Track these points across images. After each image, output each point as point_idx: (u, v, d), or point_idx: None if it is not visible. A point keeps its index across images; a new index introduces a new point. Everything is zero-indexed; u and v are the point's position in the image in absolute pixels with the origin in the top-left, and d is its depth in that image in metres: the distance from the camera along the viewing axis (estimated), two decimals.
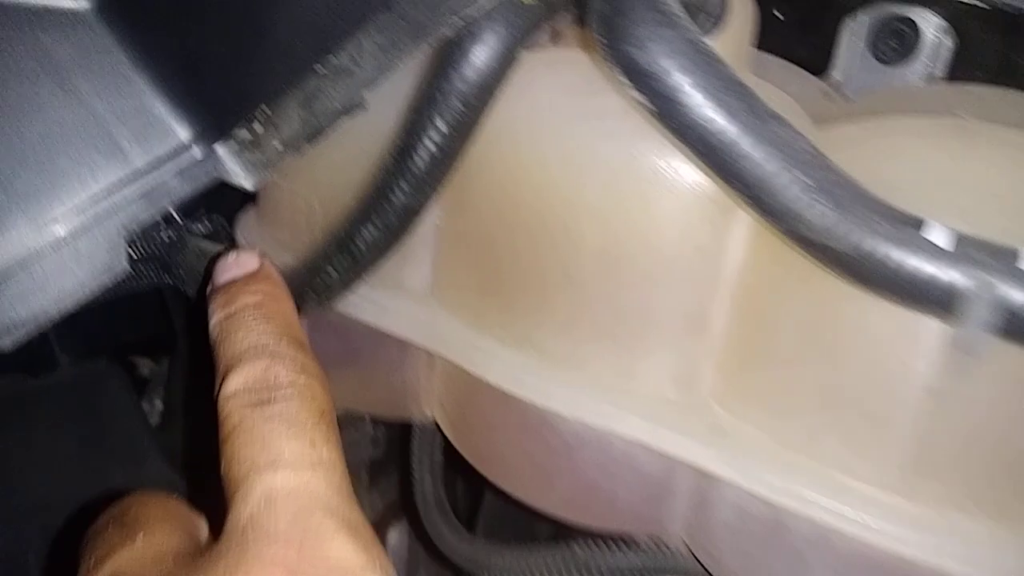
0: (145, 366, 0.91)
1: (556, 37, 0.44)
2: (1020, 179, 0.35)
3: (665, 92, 0.29)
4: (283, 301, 0.38)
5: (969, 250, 0.29)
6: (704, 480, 0.41)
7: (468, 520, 0.73)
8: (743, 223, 0.37)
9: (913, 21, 0.53)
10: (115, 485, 0.80)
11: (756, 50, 0.52)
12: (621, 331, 0.41)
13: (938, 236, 0.29)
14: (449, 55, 0.36)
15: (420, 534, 0.66)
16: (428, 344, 0.48)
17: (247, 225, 0.55)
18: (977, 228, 0.31)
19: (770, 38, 0.49)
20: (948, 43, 0.53)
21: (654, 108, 0.30)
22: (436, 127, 0.37)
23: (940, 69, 0.54)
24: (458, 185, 0.42)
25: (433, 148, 0.38)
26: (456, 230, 0.46)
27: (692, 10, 0.37)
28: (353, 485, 0.63)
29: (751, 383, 0.40)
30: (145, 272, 0.51)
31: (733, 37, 0.40)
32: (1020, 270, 0.28)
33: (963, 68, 0.54)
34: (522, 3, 0.35)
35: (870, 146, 0.38)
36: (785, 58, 0.54)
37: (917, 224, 0.30)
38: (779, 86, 0.48)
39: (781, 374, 0.38)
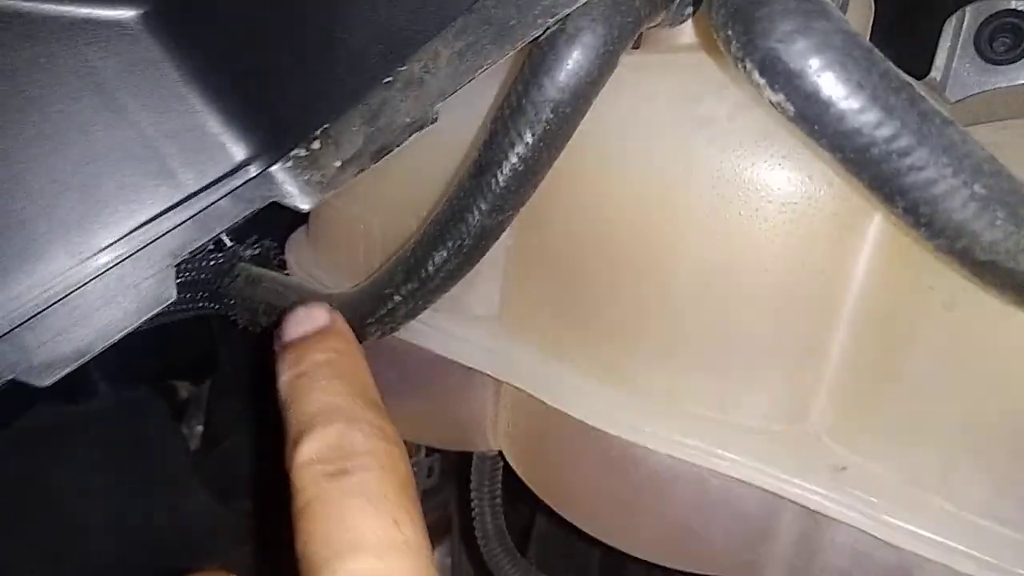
0: (184, 389, 0.86)
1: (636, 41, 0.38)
2: None
3: (818, 94, 0.24)
4: (356, 359, 0.34)
5: None
6: (813, 521, 0.36)
7: (519, 544, 0.68)
8: (869, 242, 0.32)
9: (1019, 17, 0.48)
10: (154, 512, 0.75)
11: None
12: (724, 360, 0.36)
13: None
14: (541, 59, 0.31)
15: (471, 556, 0.60)
16: (498, 373, 0.42)
17: (298, 248, 0.49)
18: None
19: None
20: None
21: (800, 112, 0.25)
22: (523, 140, 0.32)
23: None
24: (535, 200, 0.37)
25: (518, 163, 0.32)
26: (531, 249, 0.41)
27: None
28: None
29: (874, 415, 0.34)
30: (192, 300, 0.45)
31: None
32: None
33: None
34: None
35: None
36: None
37: None
38: None
39: (912, 405, 0.33)
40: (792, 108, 0.25)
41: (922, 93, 0.25)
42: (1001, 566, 0.31)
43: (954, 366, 0.31)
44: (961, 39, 0.50)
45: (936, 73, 0.51)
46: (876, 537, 0.33)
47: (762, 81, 0.25)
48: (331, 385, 0.31)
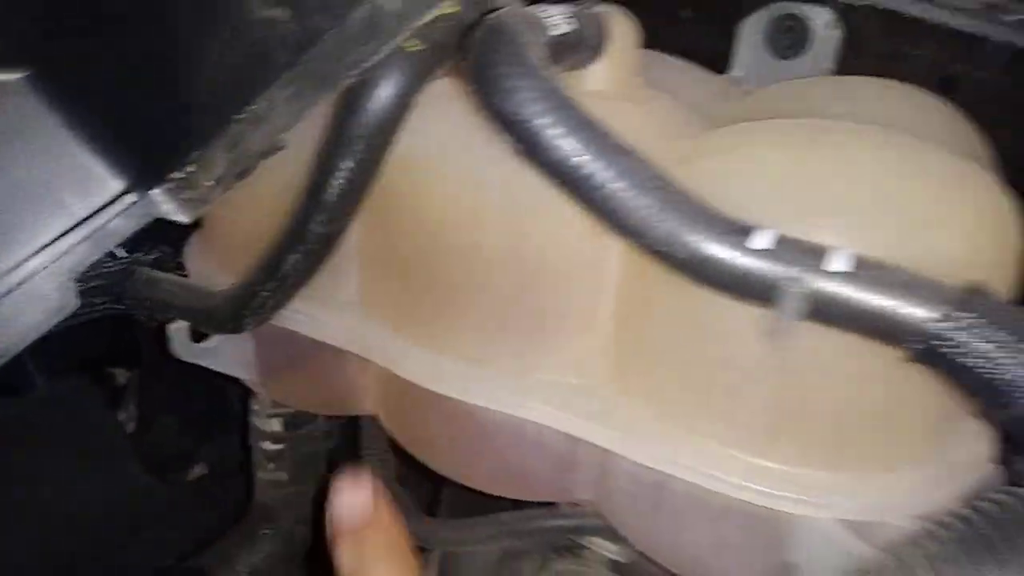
0: (122, 375, 0.93)
1: None
2: (852, 176, 0.38)
3: (529, 137, 0.32)
4: (404, 550, 0.40)
5: (782, 251, 0.32)
6: (602, 454, 0.45)
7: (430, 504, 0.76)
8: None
9: (803, 17, 0.57)
10: (98, 491, 0.83)
11: (660, 53, 0.55)
12: (523, 330, 0.44)
13: (760, 240, 0.33)
14: (350, 102, 0.39)
15: None
16: (359, 350, 0.50)
17: (193, 252, 0.57)
18: (814, 226, 0.34)
19: (678, 38, 0.52)
20: (836, 36, 0.57)
21: (522, 150, 0.33)
22: (343, 166, 0.40)
23: (830, 61, 0.58)
24: (375, 208, 0.45)
25: (343, 183, 0.40)
26: (376, 248, 0.49)
27: (573, 44, 0.40)
28: (313, 475, 0.65)
29: (637, 370, 0.43)
30: (99, 303, 0.53)
31: (615, 59, 0.43)
32: (824, 266, 0.32)
33: (851, 59, 0.58)
34: (408, 50, 0.38)
35: (735, 154, 0.41)
36: (693, 57, 0.57)
37: (744, 231, 0.33)
38: (678, 87, 0.51)
39: (659, 362, 0.42)
40: (519, 147, 0.34)
41: (607, 130, 0.33)
42: (727, 478, 0.40)
43: (677, 331, 0.40)
44: (755, 39, 0.59)
45: (738, 70, 0.60)
46: (641, 464, 0.43)
47: (496, 127, 0.34)
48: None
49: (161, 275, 0.53)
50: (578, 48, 0.40)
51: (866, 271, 0.32)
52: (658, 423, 0.42)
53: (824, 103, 0.50)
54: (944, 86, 0.55)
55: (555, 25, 0.37)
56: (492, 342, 0.46)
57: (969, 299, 0.30)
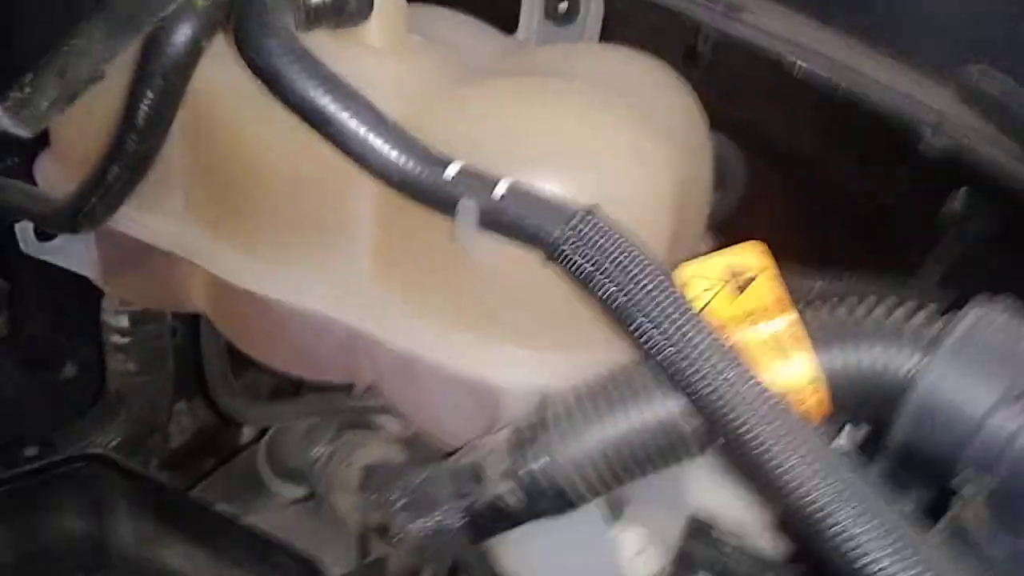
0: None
1: None
2: (544, 127, 0.50)
3: (272, 83, 0.42)
4: None
5: (463, 179, 0.43)
6: (372, 341, 0.56)
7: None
8: None
9: None
10: None
11: (462, 15, 0.65)
12: (306, 237, 0.55)
13: (450, 171, 0.44)
14: (149, 45, 0.48)
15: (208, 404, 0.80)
16: (183, 253, 0.60)
17: (42, 166, 0.65)
18: (515, 161, 0.46)
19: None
20: (600, 9, 0.68)
21: (269, 93, 0.43)
22: (147, 96, 0.49)
23: (595, 31, 0.69)
24: (193, 132, 0.55)
25: (147, 110, 0.50)
26: (195, 166, 0.59)
27: (335, 8, 0.50)
28: (161, 366, 0.75)
29: (393, 270, 0.54)
30: None
31: (381, 20, 0.53)
32: (491, 192, 0.43)
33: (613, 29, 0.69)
34: (196, 6, 0.47)
35: (472, 103, 0.52)
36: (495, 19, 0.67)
37: (441, 163, 0.44)
38: (463, 44, 0.62)
39: (406, 262, 0.53)
40: (270, 92, 0.44)
41: (339, 78, 0.43)
42: (456, 358, 0.52)
43: (420, 234, 0.51)
44: (536, 5, 0.69)
45: (522, 33, 0.70)
46: (395, 346, 0.54)
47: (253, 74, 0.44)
48: None
49: (10, 181, 0.61)
50: (342, 11, 0.49)
51: (516, 197, 0.43)
52: (409, 312, 0.54)
53: (573, 64, 0.61)
54: (687, 59, 0.67)
55: None
56: (284, 246, 0.56)
57: (584, 218, 0.42)
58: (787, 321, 0.41)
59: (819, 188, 0.72)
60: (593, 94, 0.54)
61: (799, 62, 0.59)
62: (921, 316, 0.41)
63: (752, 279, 0.41)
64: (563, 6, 0.67)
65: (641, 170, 0.51)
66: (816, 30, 0.63)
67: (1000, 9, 0.62)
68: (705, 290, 0.42)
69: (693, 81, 0.63)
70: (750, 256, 0.42)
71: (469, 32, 0.67)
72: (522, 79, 0.56)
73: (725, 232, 0.75)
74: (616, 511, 0.59)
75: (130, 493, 0.69)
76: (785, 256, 0.45)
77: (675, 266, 0.45)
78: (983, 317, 0.40)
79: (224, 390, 0.73)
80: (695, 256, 0.45)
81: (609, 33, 0.68)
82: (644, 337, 0.39)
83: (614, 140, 0.51)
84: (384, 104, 0.47)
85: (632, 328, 0.40)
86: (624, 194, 0.49)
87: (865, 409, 0.42)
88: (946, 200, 0.68)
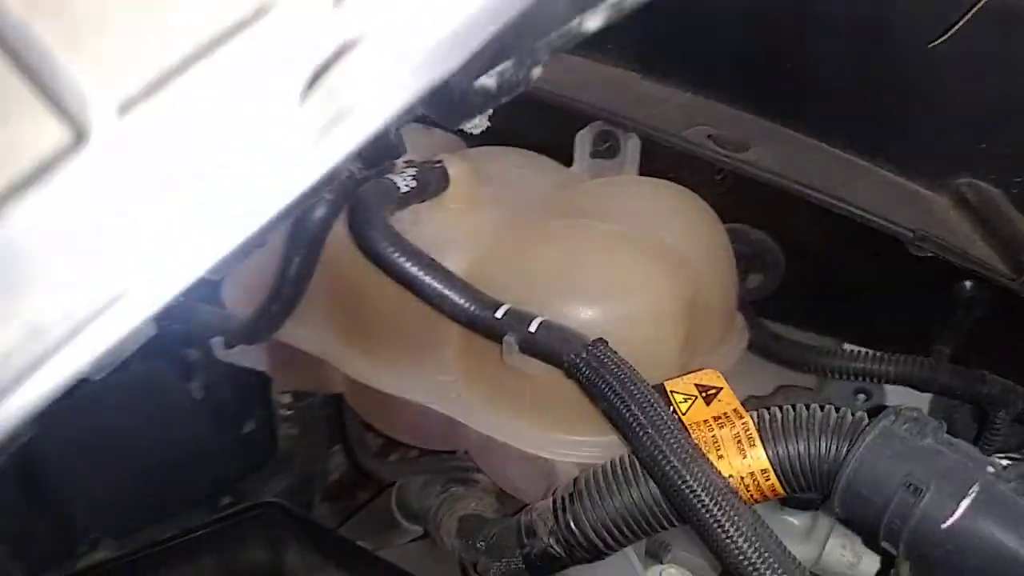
0: (193, 354, 1.26)
1: None
2: (581, 272, 0.66)
3: (377, 261, 0.62)
4: None
5: (508, 316, 0.61)
6: (464, 424, 0.74)
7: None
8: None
9: (615, 133, 0.83)
10: (171, 440, 1.16)
11: (530, 152, 0.83)
12: (411, 348, 0.74)
13: (500, 312, 0.61)
14: (297, 223, 0.69)
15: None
16: (324, 357, 0.81)
17: (228, 290, 0.88)
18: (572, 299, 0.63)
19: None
20: (637, 145, 0.83)
21: (376, 265, 0.63)
22: (296, 258, 0.70)
23: (634, 161, 0.84)
24: (329, 270, 0.75)
25: (297, 266, 0.70)
26: (332, 293, 0.79)
27: (420, 189, 0.69)
28: (317, 432, 0.97)
29: (477, 374, 0.72)
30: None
31: (457, 188, 0.72)
32: (527, 327, 0.60)
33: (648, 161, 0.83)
34: (325, 199, 0.67)
35: (540, 249, 0.70)
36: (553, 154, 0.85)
37: (494, 305, 0.62)
38: (527, 180, 0.79)
39: (486, 372, 0.71)
40: (372, 262, 0.63)
41: (428, 258, 0.62)
42: (525, 443, 0.69)
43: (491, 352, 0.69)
44: (586, 144, 0.85)
45: (576, 165, 0.87)
46: (478, 430, 0.72)
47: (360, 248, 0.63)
48: None
49: (204, 306, 0.85)
50: (425, 191, 0.68)
51: (545, 331, 0.60)
52: (485, 405, 0.71)
53: (612, 197, 0.77)
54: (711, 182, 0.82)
55: (403, 185, 0.66)
56: (395, 355, 0.76)
57: (589, 348, 0.58)
58: (743, 424, 0.55)
59: (837, 277, 0.84)
60: (618, 234, 0.70)
61: (797, 186, 0.72)
62: (848, 417, 0.54)
63: (716, 393, 0.55)
64: (606, 145, 0.83)
65: (654, 295, 0.66)
66: (816, 151, 0.76)
67: (986, 127, 0.72)
68: (684, 400, 0.56)
69: (720, 195, 0.77)
70: (713, 378, 0.56)
71: (535, 167, 0.85)
72: (564, 225, 0.73)
73: (765, 306, 0.89)
74: (657, 554, 0.74)
75: (298, 532, 0.90)
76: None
77: (683, 369, 0.60)
78: (896, 420, 0.52)
79: (362, 452, 0.94)
80: (720, 344, 0.59)
81: (647, 158, 0.83)
82: (632, 439, 0.54)
83: (632, 274, 0.67)
84: (460, 251, 0.65)
85: (624, 431, 0.55)
86: (639, 314, 0.65)
87: (810, 489, 0.55)
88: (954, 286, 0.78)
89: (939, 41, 0.63)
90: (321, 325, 0.81)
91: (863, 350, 0.80)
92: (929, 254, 0.70)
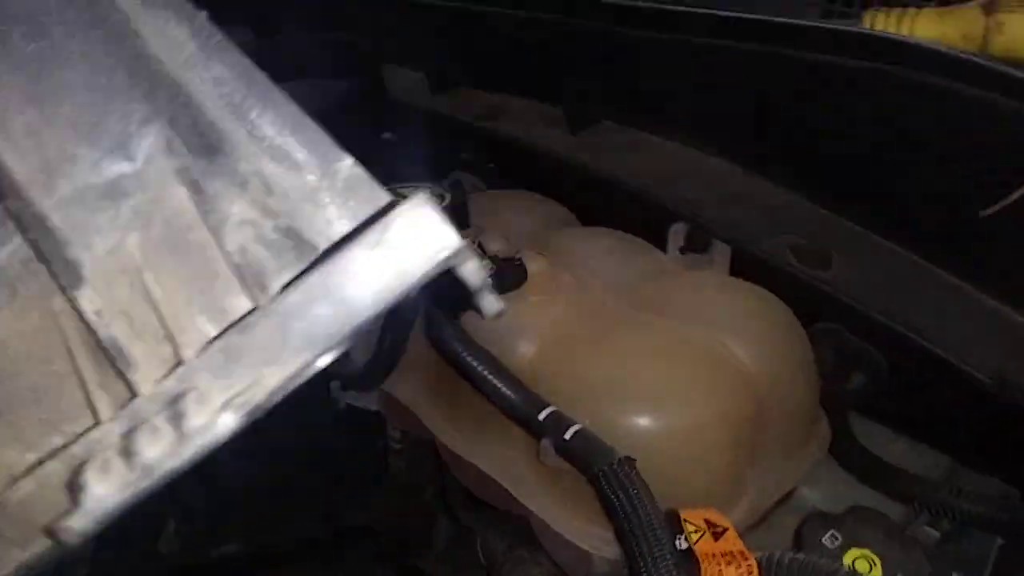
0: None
1: None
2: (637, 377, 0.70)
3: (446, 355, 0.69)
4: None
5: (548, 421, 0.66)
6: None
7: None
8: None
9: (705, 229, 0.85)
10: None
11: (625, 234, 0.87)
12: (486, 429, 0.81)
13: (543, 414, 0.66)
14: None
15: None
16: (418, 414, 0.90)
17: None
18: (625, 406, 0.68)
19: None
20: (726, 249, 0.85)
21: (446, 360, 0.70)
22: (388, 336, 0.79)
23: (724, 259, 0.86)
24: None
25: (389, 343, 0.80)
26: (426, 363, 0.88)
27: (497, 284, 0.75)
28: (421, 465, 1.08)
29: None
30: None
31: (536, 279, 0.77)
32: (563, 433, 0.65)
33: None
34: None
35: (602, 353, 0.74)
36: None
37: (540, 407, 0.67)
38: (618, 261, 0.83)
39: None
40: (444, 355, 0.71)
41: (486, 352, 0.68)
42: (578, 536, 0.74)
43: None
44: (679, 237, 0.87)
45: (669, 253, 0.89)
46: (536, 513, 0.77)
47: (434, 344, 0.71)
48: None
49: None
50: (503, 285, 0.75)
51: (579, 437, 0.64)
52: (542, 489, 0.77)
53: (694, 295, 0.79)
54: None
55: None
56: (469, 422, 0.83)
57: (612, 466, 0.62)
58: (748, 566, 0.56)
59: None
60: (681, 341, 0.72)
61: (875, 314, 0.70)
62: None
63: (724, 531, 0.57)
64: (698, 241, 0.85)
65: (702, 409, 0.68)
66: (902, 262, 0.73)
67: None
68: (695, 531, 0.59)
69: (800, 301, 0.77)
70: (720, 518, 0.58)
71: (627, 252, 0.88)
72: (630, 324, 0.76)
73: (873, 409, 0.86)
74: None
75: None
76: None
77: (739, 479, 0.62)
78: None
79: (454, 501, 1.03)
80: (793, 452, 0.61)
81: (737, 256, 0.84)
82: (631, 562, 0.58)
83: (684, 385, 0.69)
84: (531, 342, 0.72)
85: (625, 552, 0.58)
86: (685, 427, 0.67)
87: None
88: None
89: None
90: (413, 384, 0.90)
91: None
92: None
